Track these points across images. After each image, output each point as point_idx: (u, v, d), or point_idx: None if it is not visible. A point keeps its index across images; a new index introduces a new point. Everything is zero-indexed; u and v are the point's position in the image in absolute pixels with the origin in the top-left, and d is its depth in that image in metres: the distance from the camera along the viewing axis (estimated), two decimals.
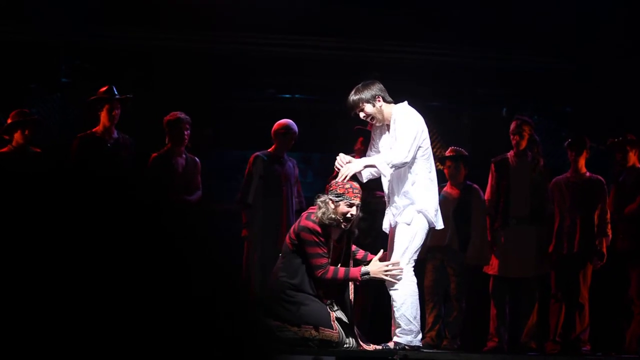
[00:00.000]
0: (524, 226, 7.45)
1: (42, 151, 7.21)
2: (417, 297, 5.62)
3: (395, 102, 5.72)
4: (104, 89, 7.22)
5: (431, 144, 5.81)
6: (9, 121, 7.10)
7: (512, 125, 7.56)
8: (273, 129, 7.60)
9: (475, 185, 7.65)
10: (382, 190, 5.92)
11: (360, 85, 5.71)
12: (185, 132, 7.36)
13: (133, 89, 7.54)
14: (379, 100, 5.65)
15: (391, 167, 5.49)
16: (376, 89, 5.67)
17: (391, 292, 5.57)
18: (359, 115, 5.72)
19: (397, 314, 5.57)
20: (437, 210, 5.70)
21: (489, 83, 9.26)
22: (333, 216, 5.50)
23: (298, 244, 5.56)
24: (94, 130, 7.19)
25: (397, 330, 5.59)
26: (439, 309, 7.50)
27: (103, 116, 7.17)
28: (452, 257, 7.52)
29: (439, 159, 7.54)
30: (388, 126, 5.71)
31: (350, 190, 5.54)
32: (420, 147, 5.61)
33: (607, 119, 8.25)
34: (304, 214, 5.68)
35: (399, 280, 5.55)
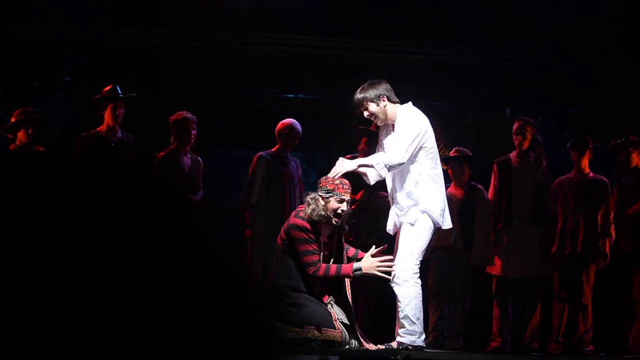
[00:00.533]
0: (526, 226, 7.45)
1: (46, 150, 7.22)
2: (421, 298, 5.62)
3: (401, 103, 5.73)
4: (108, 88, 7.22)
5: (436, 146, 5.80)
6: (13, 120, 7.10)
7: (515, 126, 7.56)
8: (277, 128, 7.60)
9: (480, 186, 7.64)
10: (386, 191, 5.92)
11: (366, 84, 5.72)
12: (192, 132, 7.36)
13: (136, 89, 7.54)
14: (384, 100, 5.65)
15: (387, 167, 5.49)
16: (382, 88, 5.67)
17: (397, 293, 5.57)
18: (363, 113, 5.73)
19: (401, 315, 5.57)
20: (442, 210, 5.68)
21: (492, 83, 9.26)
22: (323, 213, 5.49)
23: (289, 243, 5.55)
24: (97, 129, 7.19)
25: (401, 331, 5.59)
26: (443, 309, 7.50)
27: (107, 115, 7.17)
28: (457, 257, 7.51)
29: (443, 159, 7.52)
30: (394, 126, 5.71)
31: (340, 186, 5.53)
32: (422, 147, 5.60)
33: (611, 120, 8.24)
34: (293, 212, 5.68)
35: (394, 276, 5.55)
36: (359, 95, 5.68)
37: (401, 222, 5.67)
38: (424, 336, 5.67)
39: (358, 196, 7.54)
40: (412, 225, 5.59)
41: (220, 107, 9.12)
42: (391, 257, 5.52)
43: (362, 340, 5.57)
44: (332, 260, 5.65)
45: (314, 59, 8.99)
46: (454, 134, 9.09)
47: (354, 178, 5.94)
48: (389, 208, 5.85)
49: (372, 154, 5.97)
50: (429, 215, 5.61)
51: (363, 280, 7.42)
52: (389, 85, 5.73)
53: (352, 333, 5.57)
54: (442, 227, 5.75)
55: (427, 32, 8.74)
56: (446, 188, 6.04)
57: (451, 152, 7.80)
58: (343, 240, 5.74)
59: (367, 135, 7.42)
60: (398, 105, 5.70)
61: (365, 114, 5.71)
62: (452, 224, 5.87)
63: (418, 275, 5.60)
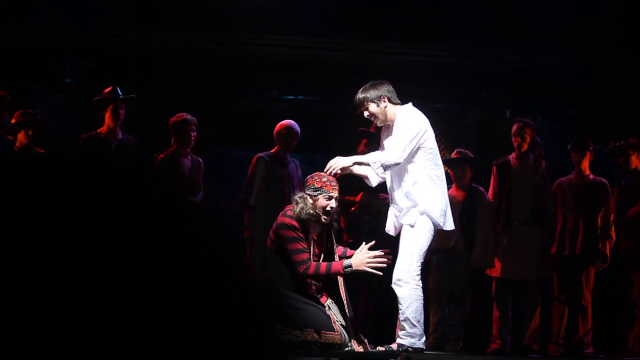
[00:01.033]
0: (525, 228, 7.45)
1: (46, 152, 7.22)
2: (422, 301, 5.61)
3: (402, 104, 5.74)
4: (108, 89, 7.22)
5: (437, 147, 5.80)
6: (13, 121, 7.10)
7: (514, 128, 7.56)
8: (275, 129, 7.60)
9: (481, 188, 7.64)
10: (386, 192, 5.92)
11: (368, 84, 5.73)
12: (192, 134, 7.37)
13: (137, 90, 7.55)
14: (384, 101, 5.66)
15: (383, 166, 5.49)
16: (383, 89, 5.68)
17: (398, 295, 5.57)
18: (363, 113, 5.73)
19: (401, 317, 5.57)
20: (443, 211, 5.67)
21: (492, 85, 9.26)
22: (311, 211, 5.48)
23: (278, 243, 5.53)
24: (98, 131, 7.20)
25: (401, 333, 5.59)
26: (443, 311, 7.49)
27: (107, 117, 7.17)
28: (457, 259, 7.51)
29: (444, 161, 7.53)
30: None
31: (328, 183, 5.52)
32: (421, 147, 5.60)
33: (611, 122, 8.24)
34: (281, 212, 5.65)
35: (396, 278, 5.54)
36: (360, 95, 5.70)
37: (401, 224, 5.66)
38: (424, 338, 5.67)
39: (358, 198, 7.54)
40: (412, 226, 5.58)
41: (221, 107, 9.13)
42: (382, 252, 5.46)
43: (358, 340, 5.53)
44: (322, 258, 5.62)
45: (314, 60, 9.00)
46: (454, 136, 9.09)
47: (354, 180, 5.95)
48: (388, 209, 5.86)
49: None
50: (429, 216, 5.60)
51: (364, 282, 7.43)
52: (391, 87, 5.74)
53: (349, 334, 5.55)
54: (444, 228, 5.73)
55: (427, 34, 8.75)
56: (447, 190, 6.04)
57: (453, 153, 7.80)
58: (333, 238, 5.72)
59: (367, 137, 7.42)
60: (399, 106, 5.71)
61: (365, 114, 5.72)
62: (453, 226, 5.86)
63: (419, 277, 5.60)
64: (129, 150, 7.24)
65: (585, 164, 7.58)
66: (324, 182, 5.52)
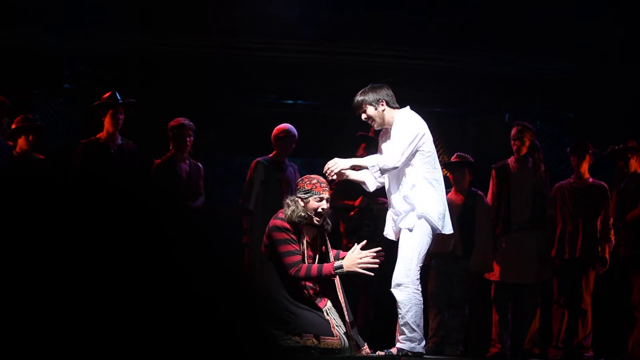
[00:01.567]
0: (524, 232, 7.46)
1: (46, 157, 7.23)
2: (422, 305, 5.61)
3: (401, 107, 5.75)
4: (107, 94, 7.23)
5: (435, 150, 5.80)
6: (13, 127, 7.12)
7: (513, 131, 7.57)
8: (272, 133, 7.61)
9: (480, 192, 7.65)
10: (385, 197, 5.92)
11: (368, 87, 5.75)
12: (188, 139, 7.39)
13: (136, 95, 7.55)
14: (382, 104, 5.68)
15: (381, 170, 5.50)
16: (382, 93, 5.70)
17: (397, 299, 5.56)
18: (361, 116, 5.75)
19: (401, 322, 5.57)
20: (442, 214, 5.67)
21: (492, 89, 9.26)
22: (303, 214, 5.49)
23: (271, 247, 5.52)
24: (97, 136, 7.21)
25: (401, 337, 5.59)
26: (442, 315, 7.49)
27: (106, 122, 7.19)
28: (456, 263, 7.51)
29: (443, 164, 7.53)
30: None
31: (318, 184, 5.53)
32: (419, 150, 5.61)
33: (610, 125, 8.25)
34: (273, 216, 5.64)
35: (395, 282, 5.54)
36: (358, 98, 5.72)
37: (399, 228, 5.67)
38: (423, 342, 5.67)
39: (357, 202, 7.54)
40: (411, 230, 5.59)
41: (220, 112, 9.12)
42: (373, 253, 5.43)
43: (357, 345, 5.53)
44: (317, 260, 5.61)
45: (314, 64, 9.00)
46: (453, 140, 9.10)
47: (354, 184, 5.95)
48: None
49: None
50: (427, 220, 5.60)
51: (364, 286, 7.43)
52: (390, 91, 5.75)
53: (348, 338, 5.54)
54: (443, 232, 5.73)
55: (426, 37, 8.75)
56: (446, 194, 6.04)
57: (452, 157, 7.80)
58: (327, 240, 5.71)
59: (366, 141, 7.43)
60: (397, 110, 5.72)
61: (363, 116, 5.74)
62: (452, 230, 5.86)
63: (419, 281, 5.60)
64: (128, 156, 7.25)
65: (585, 168, 7.59)
66: (313, 184, 5.53)
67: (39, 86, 8.58)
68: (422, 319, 5.61)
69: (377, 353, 5.62)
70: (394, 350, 5.59)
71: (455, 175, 7.66)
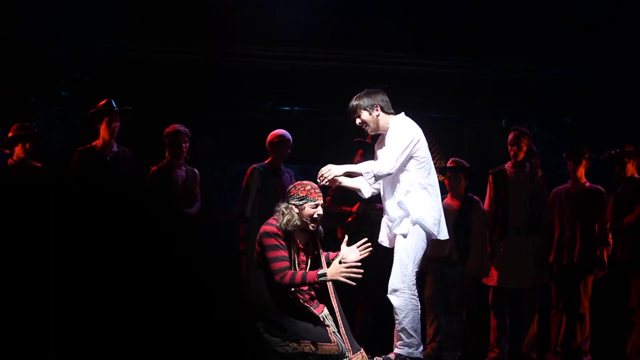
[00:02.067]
0: (522, 237, 7.47)
1: (43, 165, 7.23)
2: (419, 310, 5.61)
3: (396, 113, 5.75)
4: (103, 102, 7.24)
5: (430, 156, 5.80)
6: (10, 135, 7.11)
7: (510, 136, 7.58)
8: (267, 139, 7.62)
9: (476, 197, 7.65)
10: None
11: (363, 92, 5.75)
12: (184, 145, 7.40)
13: (133, 102, 7.56)
14: (377, 110, 5.68)
15: (375, 177, 5.50)
16: (377, 98, 5.70)
17: (394, 305, 5.56)
18: (355, 120, 5.75)
19: (398, 327, 5.57)
20: (437, 220, 5.66)
21: (488, 94, 9.27)
22: (298, 222, 5.47)
23: (261, 253, 5.49)
24: (93, 143, 7.22)
25: (399, 343, 5.59)
26: (440, 320, 7.49)
27: (102, 129, 7.19)
28: (452, 268, 7.51)
29: (439, 170, 7.54)
30: None
31: (313, 191, 5.52)
32: (414, 156, 5.61)
33: (607, 130, 8.26)
34: (264, 222, 5.59)
35: (391, 288, 5.54)
36: (353, 102, 5.73)
37: (394, 234, 5.66)
38: (421, 348, 5.66)
39: (354, 208, 7.54)
40: (405, 236, 5.58)
41: (218, 119, 9.13)
42: (359, 263, 5.40)
43: (354, 350, 5.51)
44: (309, 265, 5.59)
45: (311, 70, 9.01)
46: (449, 145, 9.11)
47: (351, 190, 5.95)
48: None
49: None
50: (421, 225, 5.59)
51: (362, 293, 7.43)
52: (386, 97, 5.75)
53: (345, 344, 5.52)
54: (438, 238, 5.72)
55: (422, 43, 8.77)
56: (442, 199, 6.04)
57: (448, 162, 7.81)
58: (319, 245, 5.69)
59: (364, 147, 7.43)
60: (392, 116, 5.72)
61: (357, 121, 5.74)
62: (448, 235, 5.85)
63: (415, 286, 5.59)
64: (125, 163, 7.25)
65: (581, 172, 7.60)
66: (308, 190, 5.52)
67: (36, 94, 8.58)
68: (419, 324, 5.61)
69: (374, 359, 5.62)
70: (391, 356, 5.59)
71: (451, 180, 7.66)
